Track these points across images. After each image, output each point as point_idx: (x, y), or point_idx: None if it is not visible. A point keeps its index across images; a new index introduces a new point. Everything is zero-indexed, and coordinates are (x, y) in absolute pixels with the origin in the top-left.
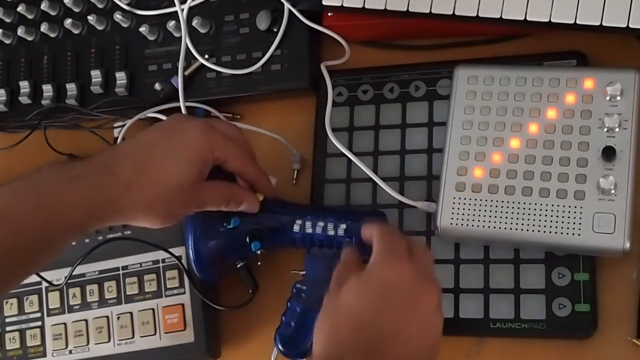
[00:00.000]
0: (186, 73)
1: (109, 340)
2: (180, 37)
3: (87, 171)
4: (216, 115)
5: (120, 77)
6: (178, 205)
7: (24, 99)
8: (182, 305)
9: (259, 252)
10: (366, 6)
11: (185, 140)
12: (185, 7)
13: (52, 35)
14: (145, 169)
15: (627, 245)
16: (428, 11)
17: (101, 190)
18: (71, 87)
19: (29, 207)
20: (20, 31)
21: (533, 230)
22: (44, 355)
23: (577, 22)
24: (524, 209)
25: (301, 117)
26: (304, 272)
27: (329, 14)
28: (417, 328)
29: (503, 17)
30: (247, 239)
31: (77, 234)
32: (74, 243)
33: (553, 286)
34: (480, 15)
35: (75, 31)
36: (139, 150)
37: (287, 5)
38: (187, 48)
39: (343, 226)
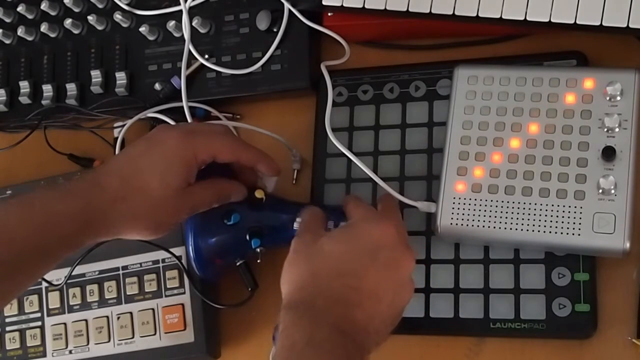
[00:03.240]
0: (186, 73)
1: (109, 340)
2: (180, 37)
3: (78, 187)
4: (216, 116)
5: (120, 77)
6: (166, 215)
7: (24, 99)
8: (182, 305)
9: (258, 249)
10: (366, 6)
11: (165, 151)
12: (186, 7)
13: (52, 35)
14: (130, 181)
15: (627, 245)
16: (428, 11)
17: (91, 204)
18: (71, 87)
19: (23, 220)
20: (20, 31)
21: (533, 230)
22: (44, 355)
23: (577, 22)
24: (524, 209)
25: (301, 117)
26: None
27: (329, 14)
28: (392, 291)
29: (503, 17)
30: (247, 236)
31: (70, 247)
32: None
33: (553, 286)
34: (480, 15)
35: (75, 31)
36: (124, 164)
37: (287, 5)
38: (188, 48)
39: (343, 224)
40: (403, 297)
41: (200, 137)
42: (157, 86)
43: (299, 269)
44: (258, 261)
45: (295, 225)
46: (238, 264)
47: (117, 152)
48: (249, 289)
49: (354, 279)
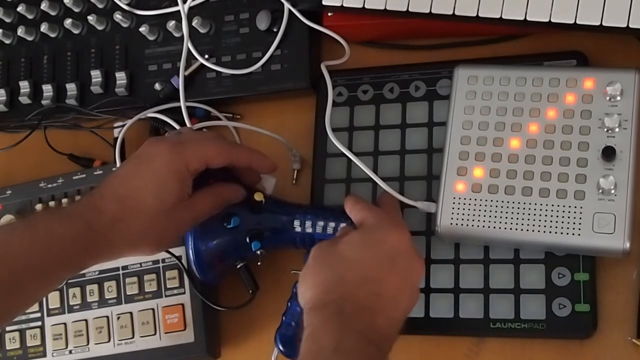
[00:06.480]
0: (186, 73)
1: (109, 340)
2: (180, 37)
3: (77, 210)
4: (216, 115)
5: (120, 77)
6: (167, 231)
7: (24, 99)
8: (182, 305)
9: (259, 252)
10: (366, 6)
11: (156, 167)
12: (186, 7)
13: (52, 35)
14: (126, 202)
15: (627, 245)
16: (428, 11)
17: (91, 227)
18: (71, 87)
19: (25, 242)
20: (20, 31)
21: (533, 230)
22: (44, 355)
23: (577, 22)
24: (524, 209)
25: (301, 117)
26: None
27: (329, 14)
28: (407, 296)
29: (503, 17)
30: (247, 239)
31: (72, 270)
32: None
33: (553, 286)
34: (480, 15)
35: (75, 31)
36: (117, 185)
37: (287, 5)
38: (187, 48)
39: (343, 225)
40: (412, 302)
41: (189, 147)
42: (157, 86)
43: (323, 274)
44: (259, 263)
45: (296, 227)
46: (238, 266)
47: (117, 152)
48: (250, 291)
49: (376, 285)
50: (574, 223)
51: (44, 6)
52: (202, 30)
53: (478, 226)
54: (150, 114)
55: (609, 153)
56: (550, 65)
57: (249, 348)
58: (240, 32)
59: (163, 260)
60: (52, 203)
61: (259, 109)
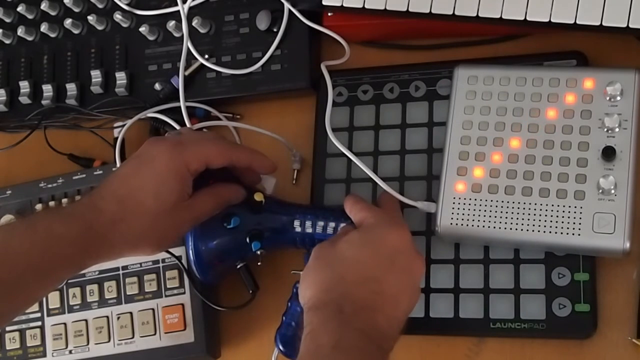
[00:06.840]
0: (186, 73)
1: (109, 340)
2: (180, 37)
3: (78, 210)
4: (216, 115)
5: (120, 77)
6: (167, 231)
7: (24, 99)
8: (182, 305)
9: (259, 252)
10: (366, 6)
11: (156, 167)
12: (186, 7)
13: (52, 35)
14: (127, 202)
15: (627, 245)
16: (428, 11)
17: (91, 227)
18: (71, 87)
19: (25, 242)
20: (20, 31)
21: (533, 230)
22: (44, 355)
23: (577, 22)
24: (524, 209)
25: (301, 117)
26: None
27: (329, 14)
28: (408, 295)
29: (503, 17)
30: (247, 239)
31: (72, 270)
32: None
33: (553, 286)
34: (480, 15)
35: (75, 31)
36: (118, 185)
37: (287, 5)
38: (187, 48)
39: (343, 225)
40: (413, 302)
41: (189, 147)
42: (157, 86)
43: (323, 274)
44: (259, 263)
45: (296, 227)
46: (239, 266)
47: (117, 152)
48: (250, 291)
49: (377, 283)
50: (574, 223)
51: (44, 6)
52: (202, 30)
53: (478, 226)
54: (150, 114)
55: (609, 153)
56: (550, 65)
57: (249, 348)
58: (240, 32)
59: (163, 260)
60: (52, 203)
61: (259, 109)
